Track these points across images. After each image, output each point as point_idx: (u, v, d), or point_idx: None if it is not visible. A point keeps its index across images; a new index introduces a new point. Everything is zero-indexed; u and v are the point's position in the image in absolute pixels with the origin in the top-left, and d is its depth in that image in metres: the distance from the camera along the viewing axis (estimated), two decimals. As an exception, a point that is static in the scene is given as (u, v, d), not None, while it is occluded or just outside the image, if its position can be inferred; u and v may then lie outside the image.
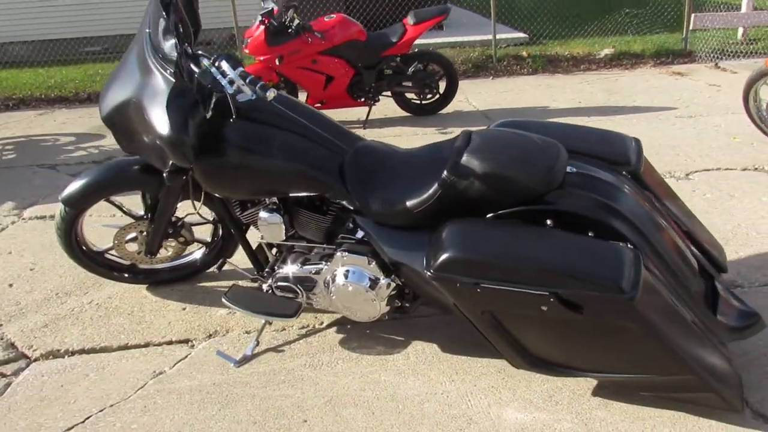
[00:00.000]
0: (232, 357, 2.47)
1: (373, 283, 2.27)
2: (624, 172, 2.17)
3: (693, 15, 7.33)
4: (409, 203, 2.09)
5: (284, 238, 2.39)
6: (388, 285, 2.21)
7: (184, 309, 2.87)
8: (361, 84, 5.32)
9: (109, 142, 5.48)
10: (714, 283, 2.19)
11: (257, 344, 2.54)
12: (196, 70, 2.10)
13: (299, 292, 2.45)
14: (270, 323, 2.64)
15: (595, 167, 2.10)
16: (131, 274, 2.97)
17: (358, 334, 2.59)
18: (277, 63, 5.06)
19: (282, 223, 2.34)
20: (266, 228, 2.37)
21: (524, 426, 2.05)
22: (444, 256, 1.91)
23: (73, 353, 2.60)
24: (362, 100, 5.39)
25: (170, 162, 2.27)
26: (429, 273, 1.95)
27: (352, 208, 2.26)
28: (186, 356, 2.53)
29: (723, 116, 5.15)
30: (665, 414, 2.04)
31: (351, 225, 2.34)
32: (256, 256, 2.64)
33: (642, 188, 2.17)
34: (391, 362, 2.41)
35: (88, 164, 4.94)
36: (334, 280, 2.32)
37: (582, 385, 2.19)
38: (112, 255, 2.97)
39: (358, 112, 5.69)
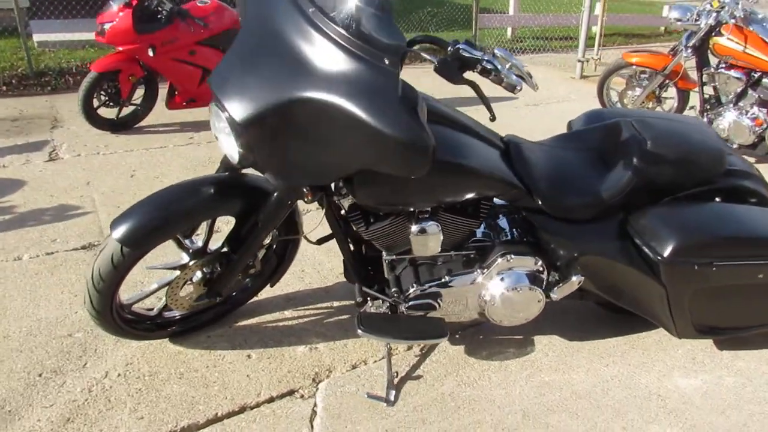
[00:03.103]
0: (381, 396, 2.11)
1: (538, 281, 2.17)
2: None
3: (478, 15, 8.33)
4: (604, 195, 2.05)
5: (440, 249, 2.11)
6: (579, 281, 2.14)
7: (249, 357, 2.31)
8: None
9: None
10: None
11: (396, 375, 2.22)
12: (433, 60, 1.72)
13: (438, 307, 2.20)
14: (391, 349, 2.32)
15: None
16: (170, 325, 2.29)
17: (476, 344, 2.42)
18: (150, 54, 4.24)
19: (440, 233, 2.07)
20: (422, 240, 2.06)
21: (703, 389, 2.21)
22: (677, 242, 1.95)
23: (159, 445, 1.92)
24: None
25: (334, 177, 1.80)
26: (661, 258, 1.97)
27: (524, 206, 2.12)
28: (313, 410, 2.08)
29: (558, 104, 6.00)
30: (782, 351, 2.42)
31: (515, 225, 2.20)
32: (363, 275, 2.26)
33: None
34: (537, 363, 2.34)
35: None
36: (494, 287, 2.15)
37: (705, 344, 2.44)
38: (139, 308, 2.24)
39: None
